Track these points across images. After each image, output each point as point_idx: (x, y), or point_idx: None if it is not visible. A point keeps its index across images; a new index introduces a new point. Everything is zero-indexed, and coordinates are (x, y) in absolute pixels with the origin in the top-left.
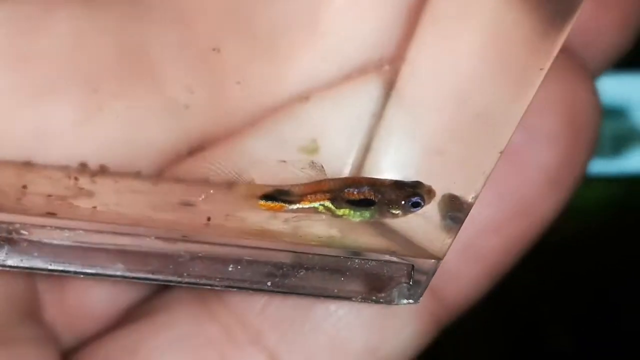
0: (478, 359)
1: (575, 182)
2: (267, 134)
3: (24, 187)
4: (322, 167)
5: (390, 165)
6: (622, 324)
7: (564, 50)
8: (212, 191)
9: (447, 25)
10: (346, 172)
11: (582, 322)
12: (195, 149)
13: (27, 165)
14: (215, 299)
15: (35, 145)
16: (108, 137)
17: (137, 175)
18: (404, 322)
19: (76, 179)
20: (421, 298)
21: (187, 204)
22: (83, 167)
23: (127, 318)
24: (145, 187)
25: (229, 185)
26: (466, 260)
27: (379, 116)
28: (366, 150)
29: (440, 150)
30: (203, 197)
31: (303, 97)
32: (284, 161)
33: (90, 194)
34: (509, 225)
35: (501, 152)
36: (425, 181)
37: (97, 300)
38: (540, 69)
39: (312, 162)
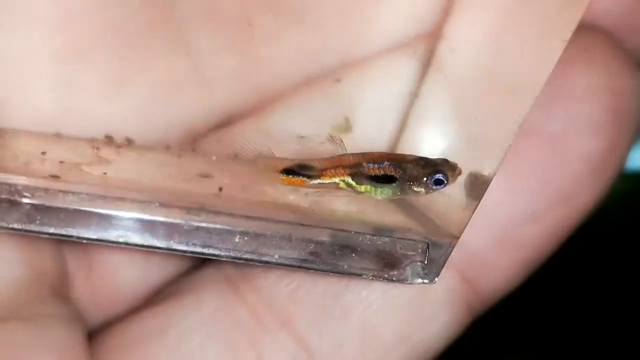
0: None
1: (617, 171)
2: (297, 111)
3: (43, 153)
4: (342, 140)
5: (424, 145)
6: (623, 322)
7: (609, 38)
8: (213, 158)
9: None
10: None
11: (584, 317)
12: (224, 123)
13: (56, 137)
14: (244, 282)
15: (62, 115)
16: (137, 109)
17: (165, 149)
18: (437, 309)
19: (98, 148)
20: (437, 278)
21: (205, 176)
22: (109, 140)
23: (153, 299)
24: (169, 159)
25: (251, 159)
26: (503, 249)
27: (414, 94)
28: (401, 129)
29: (471, 127)
30: (214, 157)
31: (335, 78)
32: (303, 137)
33: (106, 162)
34: (548, 214)
35: (519, 125)
36: (455, 159)
37: (125, 281)
38: (563, 41)
39: (331, 136)
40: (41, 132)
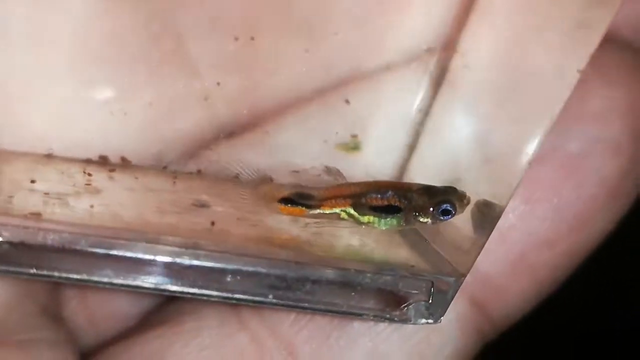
0: None
1: (635, 194)
2: (304, 128)
3: (33, 181)
4: (339, 171)
5: (435, 165)
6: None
7: (628, 53)
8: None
9: (499, 13)
10: (389, 172)
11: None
12: (227, 136)
13: (48, 157)
14: (246, 306)
15: (55, 136)
16: (135, 125)
17: (162, 169)
18: (448, 337)
19: (90, 175)
20: (442, 318)
21: (200, 205)
22: (103, 160)
23: (151, 320)
24: (163, 184)
25: (249, 185)
26: (516, 275)
27: (425, 112)
28: (411, 148)
29: (485, 149)
30: (205, 197)
31: (344, 99)
32: (297, 171)
33: (96, 191)
34: (564, 240)
35: (534, 153)
36: (467, 182)
37: (120, 300)
38: (578, 71)
39: (327, 167)
40: (34, 153)
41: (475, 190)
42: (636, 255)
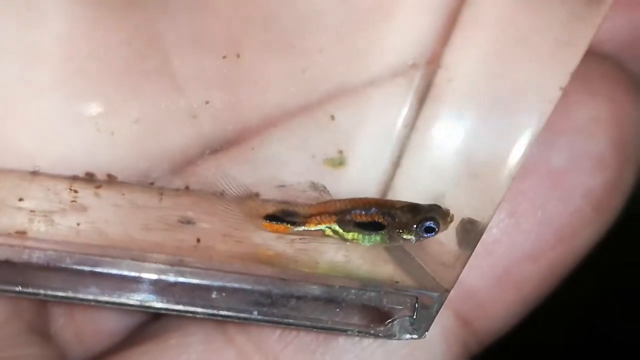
0: None
1: (621, 205)
2: (290, 143)
3: (21, 199)
4: (325, 187)
5: (421, 180)
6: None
7: (612, 65)
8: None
9: (483, 28)
10: (374, 187)
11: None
12: (213, 152)
13: (34, 174)
14: (232, 322)
15: (40, 153)
16: (122, 144)
17: (148, 185)
18: (433, 352)
19: (76, 192)
20: (427, 333)
21: (186, 222)
22: (90, 177)
23: (138, 336)
24: (150, 201)
25: (235, 201)
26: (501, 289)
27: (410, 127)
28: (396, 164)
29: (472, 166)
30: (191, 213)
31: (329, 114)
32: (283, 186)
33: (82, 209)
34: (549, 253)
35: (513, 178)
36: (452, 197)
37: (107, 316)
38: (560, 89)
39: (313, 183)
40: (19, 170)
41: (460, 204)
42: (622, 267)
